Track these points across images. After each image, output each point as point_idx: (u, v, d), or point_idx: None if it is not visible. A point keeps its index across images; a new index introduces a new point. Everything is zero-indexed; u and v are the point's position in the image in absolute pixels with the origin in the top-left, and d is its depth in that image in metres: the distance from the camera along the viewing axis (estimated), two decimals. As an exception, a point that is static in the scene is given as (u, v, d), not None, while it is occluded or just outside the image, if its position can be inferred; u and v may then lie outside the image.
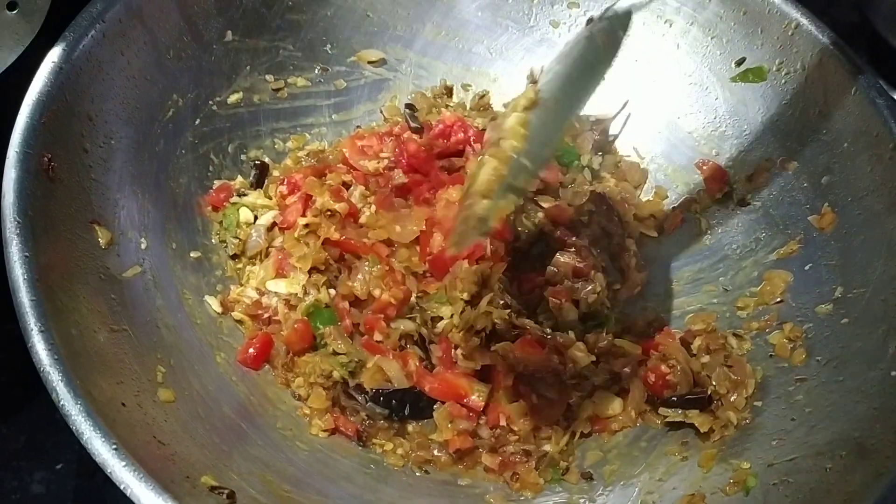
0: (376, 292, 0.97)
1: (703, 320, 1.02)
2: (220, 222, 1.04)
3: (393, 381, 0.93)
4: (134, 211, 0.92)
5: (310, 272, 0.98)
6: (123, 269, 0.88)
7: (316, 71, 1.16)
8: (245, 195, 1.06)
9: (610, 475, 0.92)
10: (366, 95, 1.19)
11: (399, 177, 1.05)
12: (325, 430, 0.92)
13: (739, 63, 1.09)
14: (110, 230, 0.88)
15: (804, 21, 1.04)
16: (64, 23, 0.89)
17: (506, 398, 0.94)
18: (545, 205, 1.05)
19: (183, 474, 0.74)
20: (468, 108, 1.20)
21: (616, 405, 0.97)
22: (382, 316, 0.96)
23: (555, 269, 1.00)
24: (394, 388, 0.93)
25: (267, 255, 1.02)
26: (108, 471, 0.68)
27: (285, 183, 1.06)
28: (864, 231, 0.96)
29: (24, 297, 0.74)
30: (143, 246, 0.92)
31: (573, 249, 1.02)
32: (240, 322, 0.98)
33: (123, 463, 0.68)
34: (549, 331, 0.95)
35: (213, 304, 0.97)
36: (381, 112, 1.19)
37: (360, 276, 0.98)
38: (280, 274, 0.99)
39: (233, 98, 1.09)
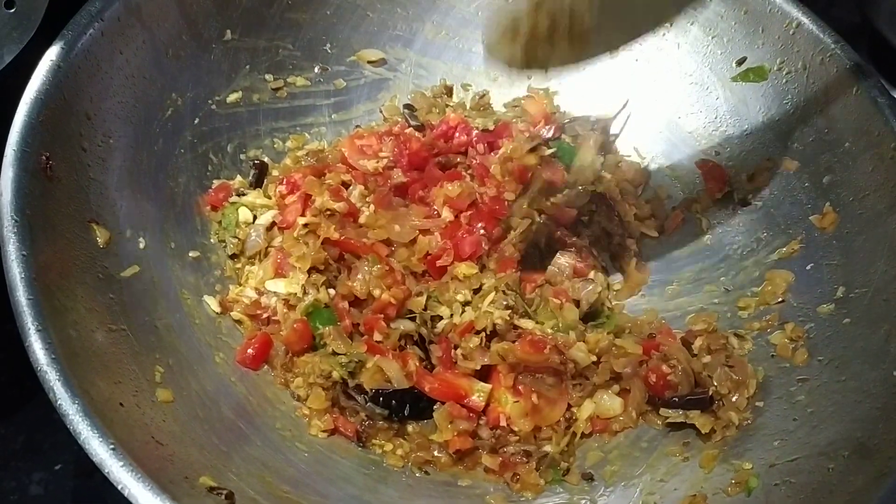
0: (376, 292, 0.97)
1: (705, 320, 1.01)
2: (219, 222, 1.03)
3: (393, 382, 0.93)
4: (132, 210, 0.92)
5: (309, 272, 0.98)
6: (122, 268, 0.88)
7: (315, 70, 1.16)
8: (244, 195, 1.06)
9: (611, 476, 0.92)
10: (365, 95, 1.19)
11: (398, 176, 1.05)
12: (324, 431, 0.91)
13: (740, 62, 1.09)
14: (109, 229, 0.88)
15: (805, 20, 1.04)
16: (62, 21, 0.89)
17: (506, 398, 0.94)
18: (546, 205, 1.05)
19: (181, 475, 0.74)
20: (468, 107, 1.19)
21: (617, 406, 0.96)
22: (382, 316, 0.96)
23: (555, 269, 1.00)
24: (394, 389, 0.92)
25: (266, 254, 1.02)
26: (106, 471, 0.68)
27: (284, 182, 1.05)
28: (866, 231, 0.96)
29: (21, 296, 0.74)
30: (141, 245, 0.91)
31: (574, 249, 1.02)
32: (239, 322, 0.98)
33: (121, 463, 0.68)
34: (549, 331, 0.95)
35: (212, 303, 0.97)
36: (381, 112, 1.19)
37: (359, 276, 0.98)
38: (279, 274, 0.99)
39: (232, 97, 1.08)
